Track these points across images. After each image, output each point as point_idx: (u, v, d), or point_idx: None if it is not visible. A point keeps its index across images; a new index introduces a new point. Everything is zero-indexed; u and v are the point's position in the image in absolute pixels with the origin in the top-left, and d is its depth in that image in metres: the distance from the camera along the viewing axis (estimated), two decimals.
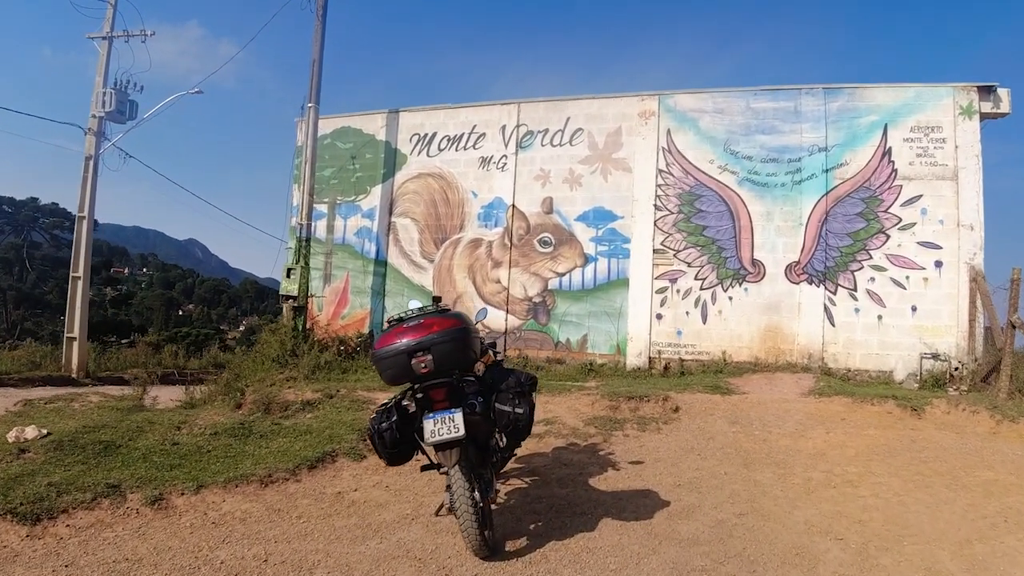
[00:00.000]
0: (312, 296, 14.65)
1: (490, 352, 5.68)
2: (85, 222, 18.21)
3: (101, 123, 18.61)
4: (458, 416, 4.30)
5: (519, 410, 4.56)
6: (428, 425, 4.34)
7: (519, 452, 7.37)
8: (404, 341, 4.43)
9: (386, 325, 4.78)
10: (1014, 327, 9.87)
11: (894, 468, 6.79)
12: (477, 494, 4.39)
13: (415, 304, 5.34)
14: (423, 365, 4.37)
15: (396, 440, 4.51)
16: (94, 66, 18.40)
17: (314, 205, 14.93)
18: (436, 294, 6.54)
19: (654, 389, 9.84)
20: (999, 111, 12.20)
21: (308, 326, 13.64)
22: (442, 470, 4.57)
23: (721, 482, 6.37)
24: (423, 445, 4.57)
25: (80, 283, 17.70)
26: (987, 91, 12.13)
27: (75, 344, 16.27)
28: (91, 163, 18.09)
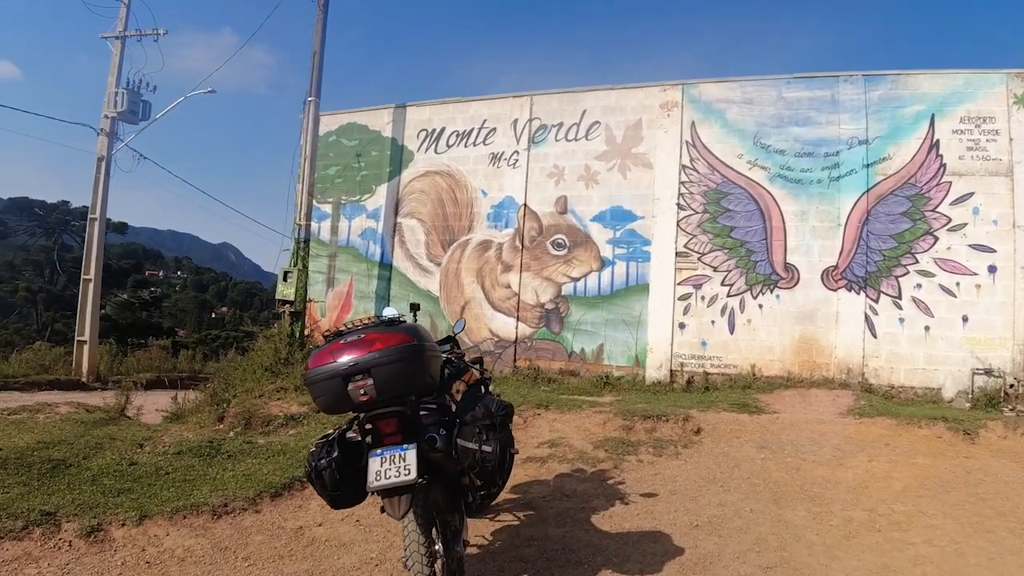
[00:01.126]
0: (311, 301, 13.89)
1: (473, 370, 5.01)
2: (96, 224, 17.89)
3: (113, 123, 18.43)
4: (410, 454, 3.52)
5: (486, 448, 3.72)
6: (373, 464, 3.52)
7: (516, 480, 6.54)
8: (339, 361, 3.58)
9: (322, 340, 3.96)
10: None
11: (948, 507, 5.82)
12: (439, 546, 3.56)
13: (389, 312, 4.57)
14: (362, 391, 3.53)
15: (338, 481, 3.69)
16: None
17: (318, 205, 14.34)
18: (414, 301, 5.55)
19: (674, 407, 9.04)
20: None
21: (307, 332, 12.85)
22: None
23: (746, 522, 5.44)
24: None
25: (91, 286, 17.36)
26: None
27: (85, 347, 15.99)
28: (103, 164, 17.87)
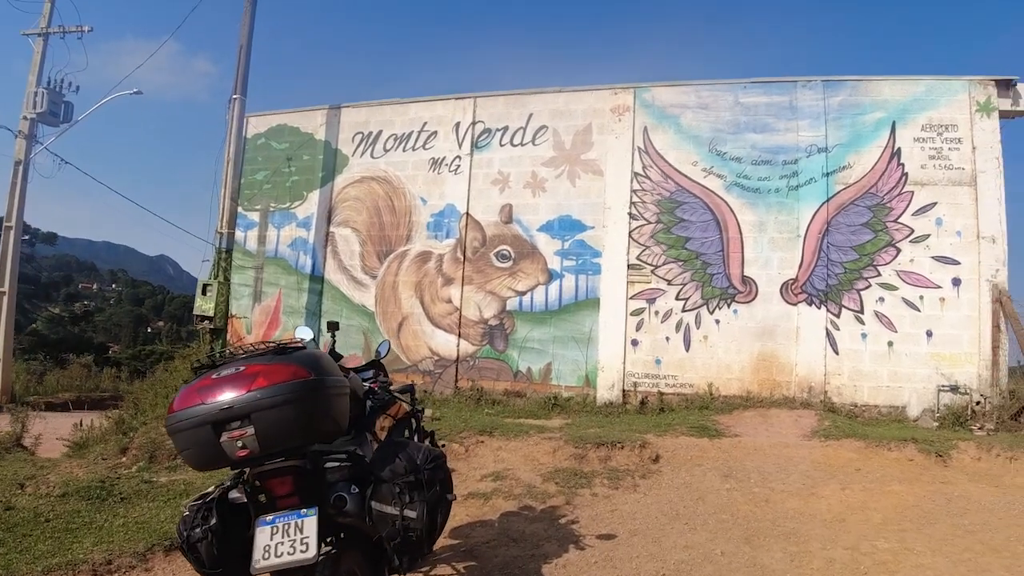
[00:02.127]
0: (234, 317, 12.79)
1: (402, 402, 4.31)
2: (12, 232, 16.69)
3: (32, 125, 17.52)
4: (310, 523, 2.76)
5: (409, 513, 2.96)
6: (260, 537, 2.75)
7: (457, 522, 5.71)
8: (209, 403, 2.73)
9: (192, 373, 3.07)
10: None
11: (935, 542, 5.29)
12: None
13: (303, 333, 4.08)
14: (240, 444, 2.71)
15: (217, 557, 2.82)
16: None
17: (244, 213, 13.35)
18: (333, 319, 4.65)
19: (629, 431, 8.54)
20: (1019, 109, 10.72)
21: (229, 351, 11.71)
22: None
23: (719, 569, 4.77)
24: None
25: (5, 299, 16.09)
26: (1006, 86, 10.66)
27: None
28: (20, 168, 16.86)
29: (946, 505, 6.19)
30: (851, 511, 6.07)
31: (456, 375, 11.79)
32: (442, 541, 5.03)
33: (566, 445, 7.81)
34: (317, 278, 12.89)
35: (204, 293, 11.59)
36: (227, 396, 2.69)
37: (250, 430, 2.66)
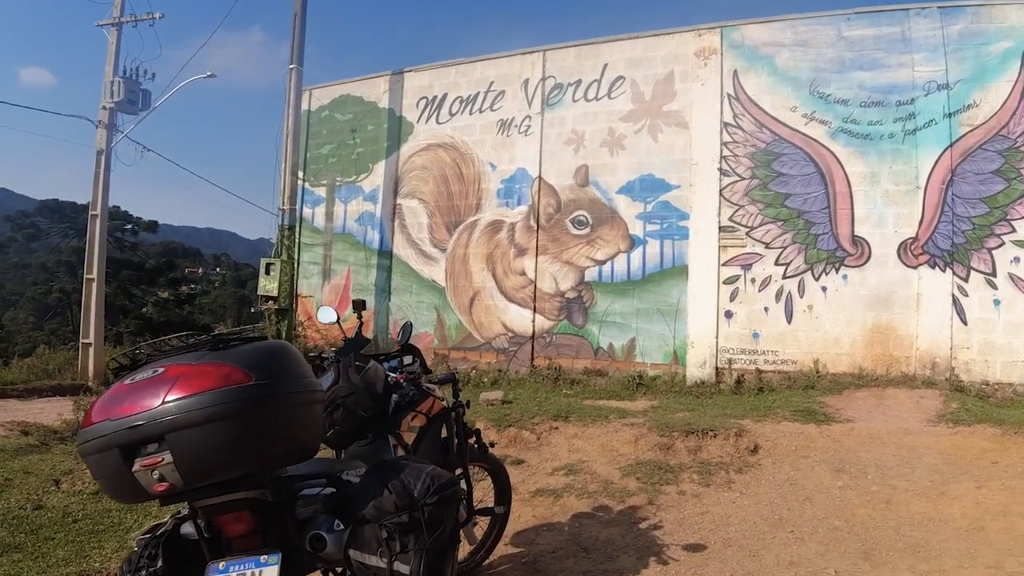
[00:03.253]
0: (304, 296, 12.36)
1: (435, 396, 3.68)
2: (98, 220, 16.96)
3: (112, 114, 17.78)
4: (270, 574, 2.15)
5: (401, 566, 2.26)
6: None
7: (521, 524, 5.10)
8: (117, 419, 2.05)
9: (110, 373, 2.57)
10: None
11: None
12: None
13: (326, 315, 3.77)
14: (156, 474, 2.03)
15: None
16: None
17: (311, 189, 12.92)
18: (360, 298, 3.89)
19: (723, 416, 7.70)
20: None
21: (296, 332, 11.30)
22: None
23: None
24: None
25: (94, 285, 16.36)
26: None
27: (91, 350, 14.99)
28: (102, 158, 17.11)
29: None
30: (990, 516, 5.12)
31: (532, 353, 11.04)
32: (501, 548, 4.44)
33: (650, 433, 7.04)
34: (385, 253, 12.33)
35: (267, 272, 11.16)
36: (138, 410, 2.01)
37: (167, 456, 1.99)
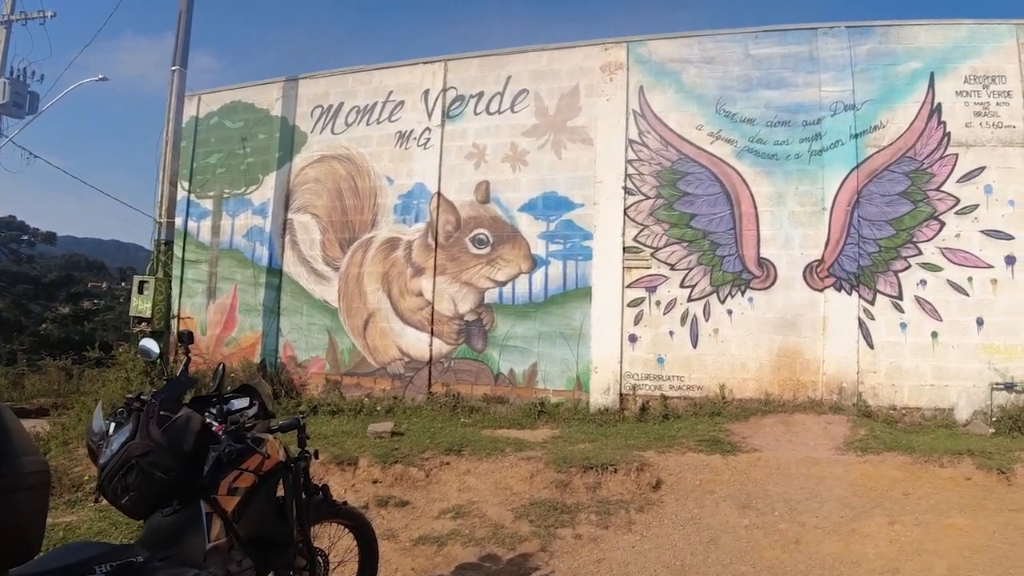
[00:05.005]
0: (182, 317, 11.43)
1: (270, 446, 3.17)
2: None
3: None
4: None
5: None
6: None
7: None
8: None
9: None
10: None
11: None
12: None
13: (148, 349, 3.36)
14: None
15: None
16: None
17: (198, 200, 11.99)
18: (184, 330, 3.15)
19: (625, 447, 7.49)
20: None
21: (173, 358, 10.35)
22: None
23: None
24: None
25: None
26: None
27: None
28: None
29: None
30: (906, 556, 4.99)
31: (429, 379, 10.41)
32: None
33: (547, 468, 6.69)
34: (275, 271, 11.53)
35: (141, 291, 10.19)
36: None
37: None
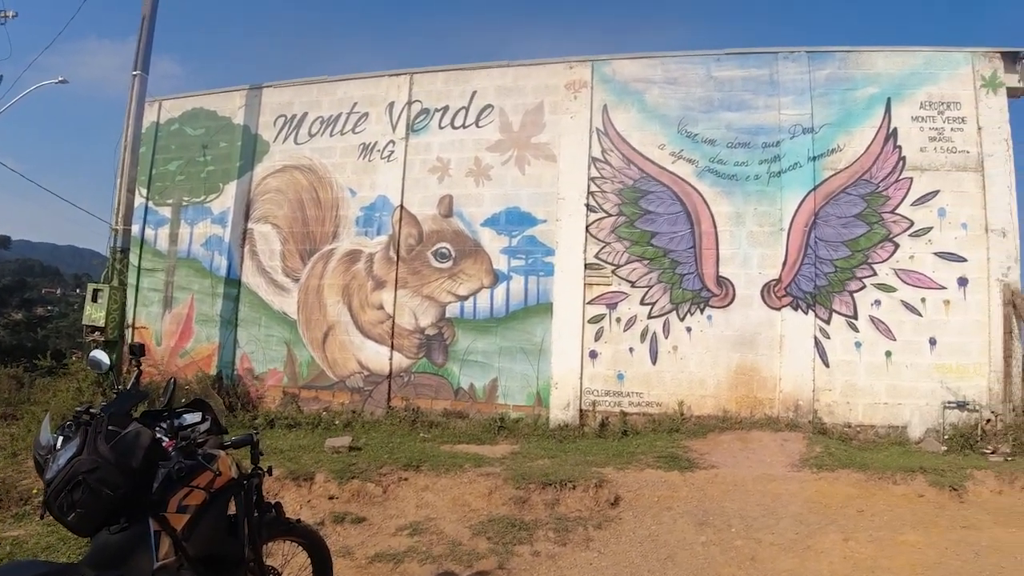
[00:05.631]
0: (137, 327, 11.20)
1: (221, 462, 3.03)
2: None
3: None
4: None
5: None
6: None
7: None
8: None
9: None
10: None
11: None
12: None
13: (98, 361, 3.19)
14: None
15: None
16: None
17: (156, 208, 11.81)
18: (138, 343, 3.04)
19: (584, 464, 7.48)
20: None
21: (126, 369, 10.11)
22: None
23: None
24: None
25: None
26: (1013, 59, 9.52)
27: None
28: None
29: (975, 560, 5.19)
30: (860, 573, 5.05)
31: (389, 393, 10.27)
32: None
33: (505, 485, 6.64)
34: (233, 281, 11.30)
35: (95, 300, 9.93)
36: None
37: None
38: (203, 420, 3.15)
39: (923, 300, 9.12)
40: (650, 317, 9.65)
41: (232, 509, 3.08)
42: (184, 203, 11.86)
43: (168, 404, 3.21)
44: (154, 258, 11.86)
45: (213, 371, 10.91)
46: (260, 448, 3.35)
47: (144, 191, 11.84)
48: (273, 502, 3.45)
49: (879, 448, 8.42)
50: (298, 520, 3.71)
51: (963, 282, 9.08)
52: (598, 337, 9.77)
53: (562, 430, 9.31)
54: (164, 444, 2.85)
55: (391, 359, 10.36)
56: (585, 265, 9.87)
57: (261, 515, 3.25)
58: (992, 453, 7.97)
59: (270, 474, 3.43)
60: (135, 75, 10.55)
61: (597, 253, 9.90)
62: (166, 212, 11.96)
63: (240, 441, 3.22)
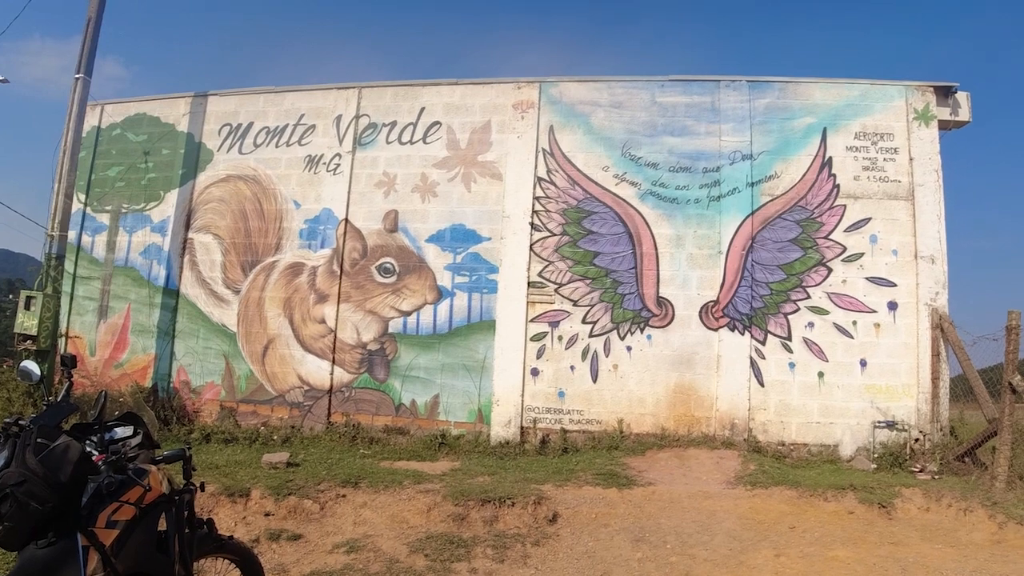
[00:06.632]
0: (71, 336, 10.90)
1: (154, 476, 3.00)
2: None
3: None
4: None
5: None
6: None
7: None
8: None
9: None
10: (1014, 391, 7.45)
11: None
12: None
13: (28, 372, 3.26)
14: None
15: None
16: None
17: (94, 214, 11.53)
18: (69, 354, 2.98)
19: (524, 480, 7.49)
20: (959, 119, 10.00)
21: (58, 379, 9.81)
22: None
23: None
24: None
25: None
26: (945, 93, 9.94)
27: None
28: None
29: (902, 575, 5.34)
30: None
31: (329, 408, 10.12)
32: None
33: (444, 502, 6.62)
34: (171, 291, 11.03)
35: (27, 307, 9.62)
36: None
37: None
38: (134, 434, 3.13)
39: (855, 323, 9.41)
40: (591, 336, 9.75)
41: (163, 525, 3.04)
42: (123, 210, 11.56)
43: (99, 417, 3.16)
44: (90, 266, 11.53)
45: (148, 383, 10.64)
46: (192, 463, 3.32)
47: (82, 197, 11.51)
48: (205, 518, 3.41)
49: (811, 466, 8.60)
50: (230, 537, 3.67)
51: (893, 306, 9.40)
52: (540, 355, 9.83)
53: (503, 447, 9.31)
54: (94, 458, 2.82)
55: (332, 374, 10.23)
56: (528, 283, 9.93)
57: (192, 531, 3.20)
58: (920, 471, 8.19)
59: (202, 489, 3.40)
60: (77, 78, 10.30)
61: (540, 272, 9.97)
62: (104, 219, 11.65)
63: (172, 456, 3.17)
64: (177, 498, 3.09)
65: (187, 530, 3.16)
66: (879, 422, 9.15)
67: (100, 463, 2.79)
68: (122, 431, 3.10)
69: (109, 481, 2.72)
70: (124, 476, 2.80)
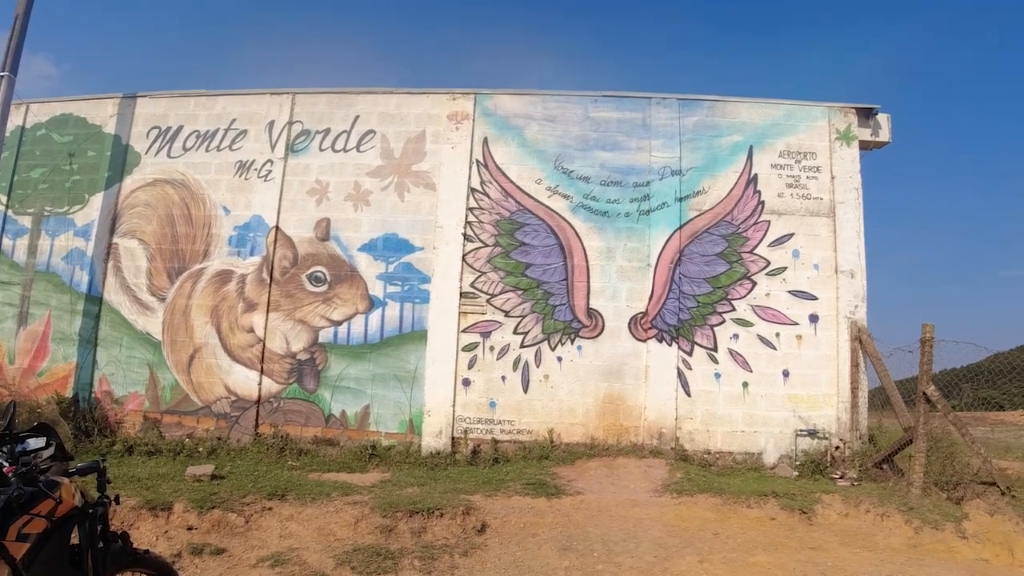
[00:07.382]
0: None
1: (62, 489, 2.88)
2: None
3: None
4: None
5: None
6: None
7: None
8: None
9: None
10: (928, 401, 7.79)
11: None
12: None
13: None
14: None
15: None
16: None
17: (15, 217, 11.14)
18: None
19: (453, 491, 7.50)
20: (879, 139, 10.44)
21: None
22: None
23: None
24: None
25: None
26: (867, 114, 10.35)
27: None
28: None
29: None
30: None
31: (257, 419, 9.93)
32: None
33: (372, 513, 6.57)
34: (94, 298, 10.67)
35: None
36: None
37: None
38: (47, 446, 3.05)
39: (777, 335, 9.69)
40: (523, 346, 9.82)
41: (76, 539, 2.98)
42: (46, 213, 11.17)
43: (8, 428, 3.08)
44: (10, 270, 11.10)
45: (69, 393, 10.28)
46: (108, 475, 3.25)
47: (4, 198, 11.09)
48: (120, 532, 3.34)
49: (736, 473, 8.81)
50: (147, 551, 3.60)
51: (814, 319, 9.70)
52: (471, 365, 9.84)
53: (434, 457, 9.28)
54: (4, 470, 2.75)
55: (260, 384, 10.03)
56: (460, 294, 9.95)
57: (107, 545, 3.15)
58: (840, 478, 8.45)
59: (117, 503, 3.33)
60: (2, 76, 9.93)
61: (473, 282, 10.00)
62: (26, 222, 11.22)
63: (86, 468, 3.12)
64: (91, 511, 3.03)
65: (101, 544, 3.11)
66: (801, 430, 9.43)
67: (10, 475, 2.73)
68: (34, 442, 3.02)
69: (19, 493, 2.65)
70: (35, 488, 2.74)
